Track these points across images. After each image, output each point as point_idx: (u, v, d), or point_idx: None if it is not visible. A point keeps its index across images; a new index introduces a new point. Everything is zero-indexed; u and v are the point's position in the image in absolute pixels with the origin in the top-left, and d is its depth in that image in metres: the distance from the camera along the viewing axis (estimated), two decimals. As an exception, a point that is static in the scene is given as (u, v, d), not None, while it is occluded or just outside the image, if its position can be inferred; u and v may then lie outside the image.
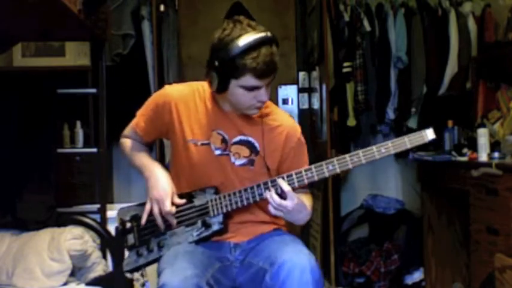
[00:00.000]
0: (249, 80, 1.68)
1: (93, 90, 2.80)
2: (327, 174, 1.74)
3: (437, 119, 3.57)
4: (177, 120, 1.83)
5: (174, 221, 1.82)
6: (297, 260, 1.62)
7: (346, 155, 1.72)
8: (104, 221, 2.64)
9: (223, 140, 1.83)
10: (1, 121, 2.49)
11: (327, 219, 3.62)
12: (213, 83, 1.74)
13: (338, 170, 1.73)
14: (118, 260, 1.98)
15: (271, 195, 1.71)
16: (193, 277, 1.59)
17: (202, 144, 1.82)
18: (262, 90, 1.73)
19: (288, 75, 4.42)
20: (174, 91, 1.87)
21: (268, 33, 1.70)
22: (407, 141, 1.69)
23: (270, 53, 1.67)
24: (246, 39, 1.65)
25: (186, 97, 1.85)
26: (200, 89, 1.86)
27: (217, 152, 1.82)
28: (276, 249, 1.71)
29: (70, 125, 3.36)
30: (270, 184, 1.75)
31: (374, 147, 1.71)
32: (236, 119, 1.83)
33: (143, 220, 1.84)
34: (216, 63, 1.69)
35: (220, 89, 1.73)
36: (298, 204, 1.72)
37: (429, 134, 1.69)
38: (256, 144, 1.84)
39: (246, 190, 1.78)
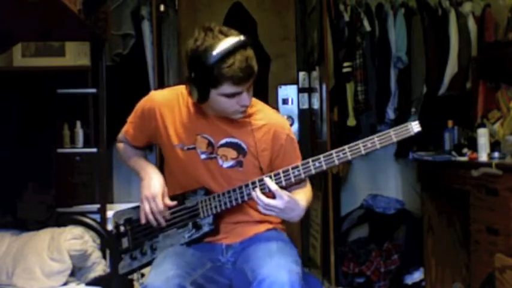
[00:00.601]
0: (227, 88, 1.66)
1: (93, 90, 2.80)
2: (313, 172, 1.72)
3: (437, 119, 3.58)
4: (162, 126, 1.83)
5: (162, 221, 1.81)
6: (277, 276, 1.57)
7: (333, 151, 1.70)
8: (104, 221, 2.64)
9: (210, 144, 1.81)
10: (1, 121, 2.49)
11: (327, 219, 3.62)
12: (193, 94, 1.71)
13: (324, 167, 1.72)
14: (114, 262, 1.99)
15: (258, 196, 1.68)
16: (175, 277, 1.59)
17: (188, 148, 1.81)
18: (243, 95, 1.70)
19: (288, 75, 4.42)
20: (158, 96, 1.87)
21: (241, 37, 1.66)
22: (393, 135, 1.67)
23: (245, 58, 1.64)
24: (219, 47, 1.62)
25: (170, 102, 1.84)
26: (184, 92, 1.83)
27: (203, 156, 1.81)
28: (260, 261, 1.66)
29: (70, 125, 3.37)
30: (258, 183, 1.73)
31: (360, 143, 1.69)
32: (221, 121, 1.81)
33: (142, 220, 1.83)
34: (193, 74, 1.67)
35: (201, 99, 1.70)
36: (289, 202, 1.68)
37: (414, 126, 1.65)
38: (244, 145, 1.82)
39: (234, 190, 1.77)
